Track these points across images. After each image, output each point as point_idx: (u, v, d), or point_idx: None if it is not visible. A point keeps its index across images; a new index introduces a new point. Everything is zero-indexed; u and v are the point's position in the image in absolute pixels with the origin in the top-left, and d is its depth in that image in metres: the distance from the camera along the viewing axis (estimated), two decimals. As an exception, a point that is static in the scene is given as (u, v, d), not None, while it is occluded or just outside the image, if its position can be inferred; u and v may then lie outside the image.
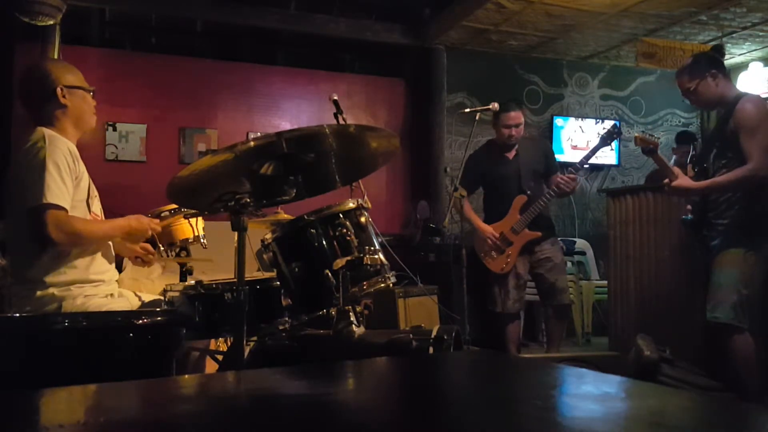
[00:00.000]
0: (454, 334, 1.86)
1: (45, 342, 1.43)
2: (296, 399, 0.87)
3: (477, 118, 3.69)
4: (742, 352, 2.71)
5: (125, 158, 5.19)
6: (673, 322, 3.53)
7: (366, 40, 5.77)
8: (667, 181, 2.90)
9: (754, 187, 2.72)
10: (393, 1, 5.64)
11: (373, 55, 6.17)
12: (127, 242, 2.32)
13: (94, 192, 2.22)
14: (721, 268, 2.77)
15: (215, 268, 2.81)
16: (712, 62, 2.90)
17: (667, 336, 3.29)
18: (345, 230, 1.97)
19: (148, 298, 2.27)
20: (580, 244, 5.92)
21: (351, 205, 2.04)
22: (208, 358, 2.49)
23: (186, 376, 1.94)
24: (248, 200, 1.76)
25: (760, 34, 5.77)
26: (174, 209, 2.39)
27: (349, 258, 1.92)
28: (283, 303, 2.01)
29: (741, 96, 2.83)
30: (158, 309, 2.06)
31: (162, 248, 2.45)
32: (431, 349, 1.82)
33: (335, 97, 2.98)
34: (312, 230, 1.97)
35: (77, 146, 2.16)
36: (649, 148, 3.09)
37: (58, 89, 2.15)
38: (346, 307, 1.90)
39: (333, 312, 1.92)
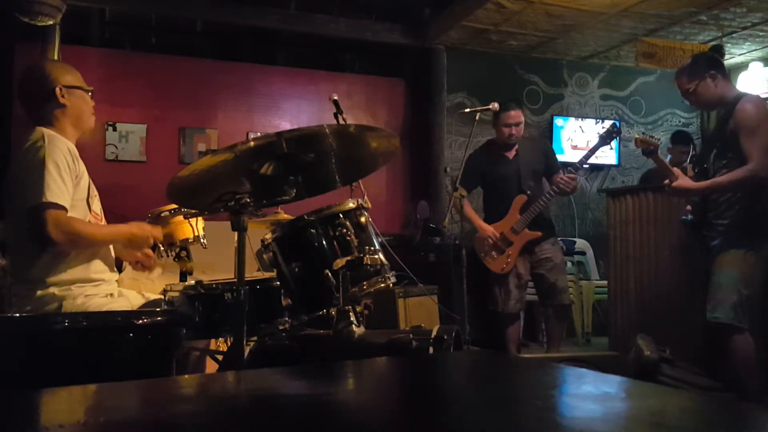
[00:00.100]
0: (454, 334, 1.86)
1: (45, 342, 1.43)
2: (296, 399, 0.87)
3: (477, 118, 3.69)
4: (742, 352, 2.71)
5: (125, 158, 5.19)
6: (673, 322, 3.53)
7: (366, 40, 5.77)
8: (667, 181, 2.90)
9: (754, 187, 2.72)
10: (393, 1, 5.64)
11: (373, 55, 6.17)
12: (127, 248, 2.31)
13: (94, 191, 2.22)
14: (722, 268, 2.77)
15: (215, 268, 2.81)
16: (711, 63, 2.90)
17: (667, 336, 3.29)
18: (345, 230, 1.97)
19: (150, 297, 2.27)
20: (580, 244, 5.92)
21: (351, 205, 2.04)
22: (208, 358, 2.48)
23: (186, 376, 1.94)
24: (248, 200, 1.76)
25: (760, 34, 5.76)
26: (174, 209, 2.39)
27: (349, 258, 1.92)
28: (283, 303, 2.01)
29: (741, 96, 2.83)
30: (158, 309, 2.06)
31: (162, 248, 2.45)
32: (431, 349, 1.82)
33: (335, 97, 2.98)
34: (312, 230, 1.97)
35: (77, 146, 2.16)
36: (649, 150, 3.09)
37: (57, 89, 2.15)
38: (346, 307, 1.90)
39: (333, 312, 1.92)
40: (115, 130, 5.16)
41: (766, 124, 2.70)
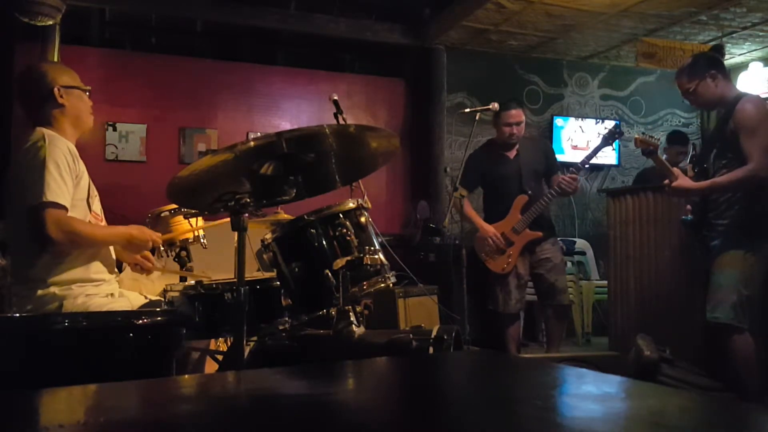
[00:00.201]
0: (454, 334, 1.86)
1: (45, 342, 1.43)
2: (296, 399, 0.87)
3: (477, 118, 3.69)
4: (742, 352, 2.71)
5: (125, 158, 5.19)
6: (673, 322, 3.53)
7: (366, 40, 5.77)
8: (667, 181, 2.90)
9: (754, 187, 2.72)
10: (393, 1, 5.64)
11: (373, 55, 6.17)
12: (127, 250, 2.31)
13: (94, 191, 2.22)
14: (722, 268, 2.77)
15: (215, 268, 2.81)
16: (711, 63, 2.90)
17: (667, 336, 3.29)
18: (345, 230, 1.97)
19: (151, 297, 2.27)
20: (580, 244, 5.92)
21: (351, 205, 2.04)
22: (208, 358, 2.49)
23: (186, 376, 1.94)
24: (248, 200, 1.76)
25: (760, 34, 5.77)
26: (174, 209, 2.39)
27: (349, 258, 1.92)
28: (283, 303, 2.01)
29: (741, 96, 2.83)
30: (158, 309, 2.06)
31: (162, 248, 2.45)
32: (431, 349, 1.82)
33: (335, 97, 2.98)
34: (312, 230, 1.97)
35: (76, 146, 2.17)
36: (649, 150, 3.09)
37: (55, 89, 2.16)
38: (346, 307, 1.90)
39: (333, 312, 1.92)
40: (115, 130, 5.16)
41: (766, 124, 2.70)
